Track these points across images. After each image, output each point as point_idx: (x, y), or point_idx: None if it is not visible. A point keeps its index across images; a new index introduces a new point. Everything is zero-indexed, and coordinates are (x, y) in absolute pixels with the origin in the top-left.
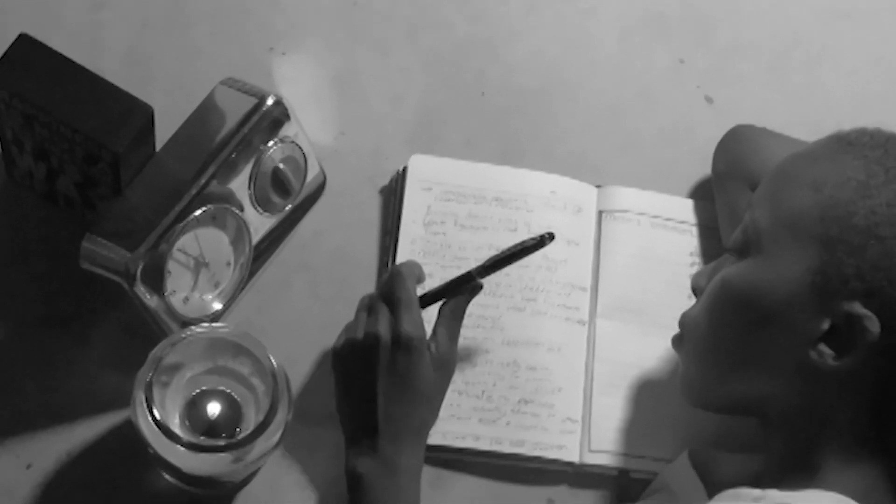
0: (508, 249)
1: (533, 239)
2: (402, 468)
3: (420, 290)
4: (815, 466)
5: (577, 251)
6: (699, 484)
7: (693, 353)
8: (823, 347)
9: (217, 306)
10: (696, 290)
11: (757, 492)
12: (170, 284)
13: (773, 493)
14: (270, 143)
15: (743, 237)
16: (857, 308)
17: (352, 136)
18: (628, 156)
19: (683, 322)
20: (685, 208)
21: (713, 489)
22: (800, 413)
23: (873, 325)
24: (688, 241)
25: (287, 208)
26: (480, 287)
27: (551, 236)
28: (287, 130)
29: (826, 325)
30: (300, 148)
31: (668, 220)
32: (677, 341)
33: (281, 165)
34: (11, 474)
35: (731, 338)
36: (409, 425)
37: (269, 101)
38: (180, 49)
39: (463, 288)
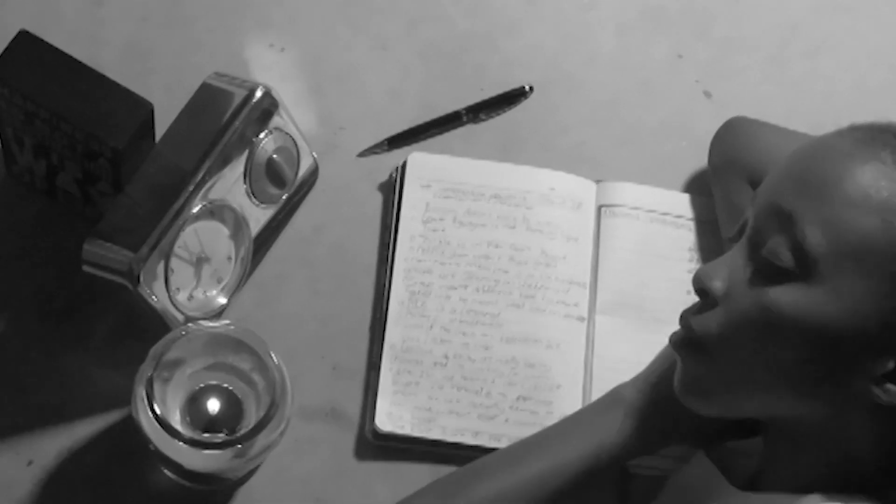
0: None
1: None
2: None
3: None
4: (829, 485)
5: (576, 247)
6: (723, 479)
7: (717, 367)
8: (891, 386)
9: (221, 301)
10: (704, 292)
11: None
12: (173, 282)
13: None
14: (262, 135)
15: (791, 257)
16: None
17: (351, 131)
18: (627, 149)
19: (704, 332)
20: (684, 203)
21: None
22: (831, 435)
23: None
24: (686, 237)
25: (283, 198)
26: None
27: (531, 88)
28: (277, 121)
29: (892, 364)
30: (291, 137)
31: (666, 215)
32: (686, 346)
33: (274, 156)
34: (12, 471)
35: (776, 362)
36: None
37: (259, 93)
38: (180, 44)
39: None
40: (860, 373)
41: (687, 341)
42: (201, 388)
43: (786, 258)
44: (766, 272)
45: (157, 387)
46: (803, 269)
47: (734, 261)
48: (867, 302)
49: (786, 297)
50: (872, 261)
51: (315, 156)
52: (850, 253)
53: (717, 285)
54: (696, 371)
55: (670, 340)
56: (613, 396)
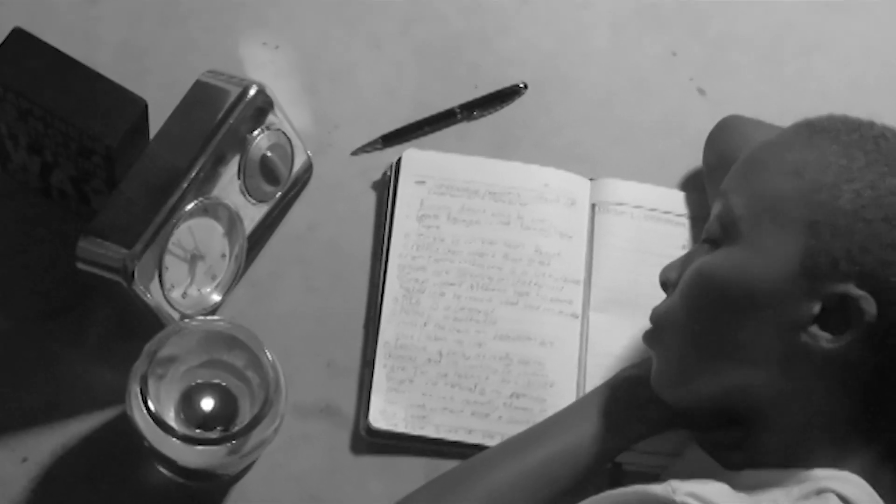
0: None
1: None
2: None
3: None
4: (808, 455)
5: (570, 244)
6: (717, 465)
7: (673, 348)
8: (816, 330)
9: (216, 298)
10: (665, 285)
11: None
12: (167, 280)
13: (680, 485)
14: (256, 132)
15: (718, 226)
16: (852, 290)
17: (346, 129)
18: (622, 148)
19: (658, 317)
20: (678, 200)
21: None
22: (790, 403)
23: (870, 305)
24: (680, 234)
25: (277, 196)
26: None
27: (525, 85)
28: (271, 118)
29: (817, 308)
30: (285, 134)
31: (660, 212)
32: (651, 337)
33: (268, 153)
34: (7, 468)
35: (715, 329)
36: None
37: (252, 91)
38: (174, 43)
39: None
40: (791, 325)
41: (648, 332)
42: (195, 385)
43: (715, 228)
44: (706, 250)
45: (151, 384)
46: (729, 234)
47: (690, 253)
48: (785, 251)
49: (713, 260)
50: (785, 212)
51: (309, 153)
52: (765, 208)
53: (672, 275)
54: (660, 362)
55: (642, 339)
56: (619, 380)
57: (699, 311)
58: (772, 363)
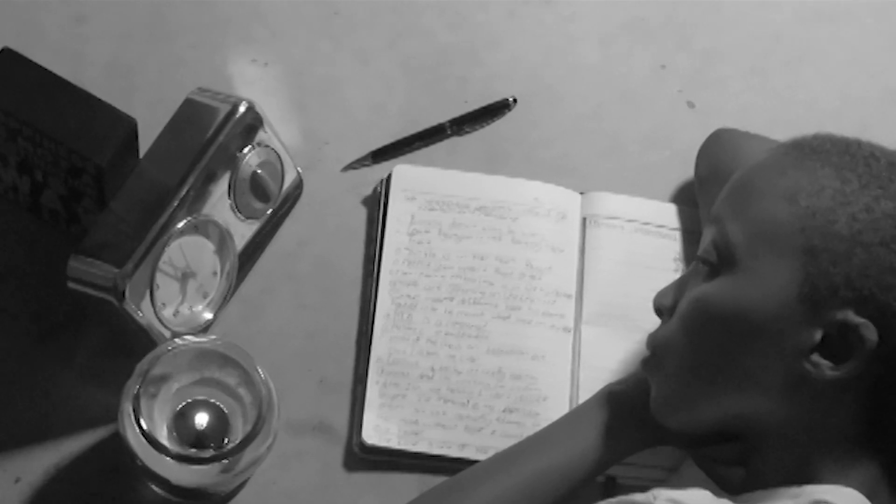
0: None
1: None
2: None
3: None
4: (811, 476)
5: (561, 258)
6: (713, 486)
7: (673, 375)
8: (818, 358)
9: (207, 316)
10: (660, 311)
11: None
12: (159, 298)
13: (661, 492)
14: (246, 150)
15: (714, 252)
16: (852, 317)
17: (335, 145)
18: (611, 161)
19: (656, 345)
20: (668, 213)
21: None
22: (792, 425)
23: (871, 332)
24: (671, 247)
25: (267, 213)
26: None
27: (515, 100)
28: (261, 135)
29: (818, 335)
30: (275, 151)
31: (651, 225)
32: (650, 364)
33: (258, 170)
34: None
35: (714, 358)
36: None
37: (242, 108)
38: (162, 61)
39: None
40: (793, 353)
41: (646, 359)
42: (188, 404)
43: (711, 255)
44: (703, 276)
45: (143, 402)
46: (726, 261)
47: (684, 278)
48: (783, 279)
49: (712, 288)
50: (782, 239)
51: (299, 170)
52: (762, 236)
53: (666, 301)
54: (659, 388)
55: (641, 365)
56: (605, 395)
57: (700, 341)
58: (774, 391)
